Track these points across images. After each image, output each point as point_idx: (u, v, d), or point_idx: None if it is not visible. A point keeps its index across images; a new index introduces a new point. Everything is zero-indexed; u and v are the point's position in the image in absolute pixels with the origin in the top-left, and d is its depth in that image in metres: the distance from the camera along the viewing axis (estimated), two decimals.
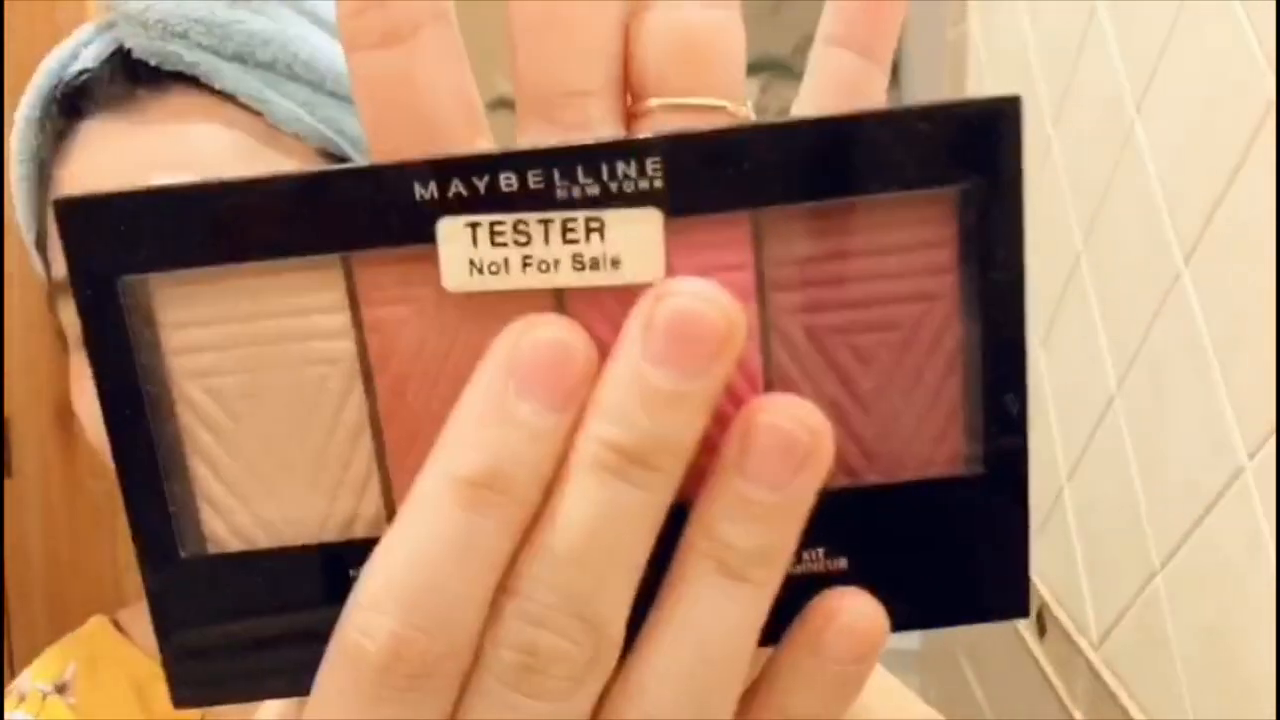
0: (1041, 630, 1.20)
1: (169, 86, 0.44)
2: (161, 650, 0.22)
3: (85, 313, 0.20)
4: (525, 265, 0.20)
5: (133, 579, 1.96)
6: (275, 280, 0.20)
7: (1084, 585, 1.08)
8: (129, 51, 0.44)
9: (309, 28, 0.45)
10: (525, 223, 0.20)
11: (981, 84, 1.52)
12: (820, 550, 0.21)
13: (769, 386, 0.21)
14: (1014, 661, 1.29)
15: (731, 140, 0.20)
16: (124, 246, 0.19)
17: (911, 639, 2.01)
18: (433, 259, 0.20)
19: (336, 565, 0.21)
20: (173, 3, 0.42)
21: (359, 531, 0.21)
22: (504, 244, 0.20)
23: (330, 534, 0.21)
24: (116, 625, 0.57)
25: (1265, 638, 0.73)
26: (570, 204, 0.20)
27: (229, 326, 0.20)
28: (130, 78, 0.44)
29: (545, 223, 0.20)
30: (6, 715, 0.52)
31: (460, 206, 0.20)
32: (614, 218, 0.20)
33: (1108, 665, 1.01)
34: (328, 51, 0.45)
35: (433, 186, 0.20)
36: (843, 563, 0.21)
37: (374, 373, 0.21)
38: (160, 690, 0.51)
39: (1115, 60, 1.01)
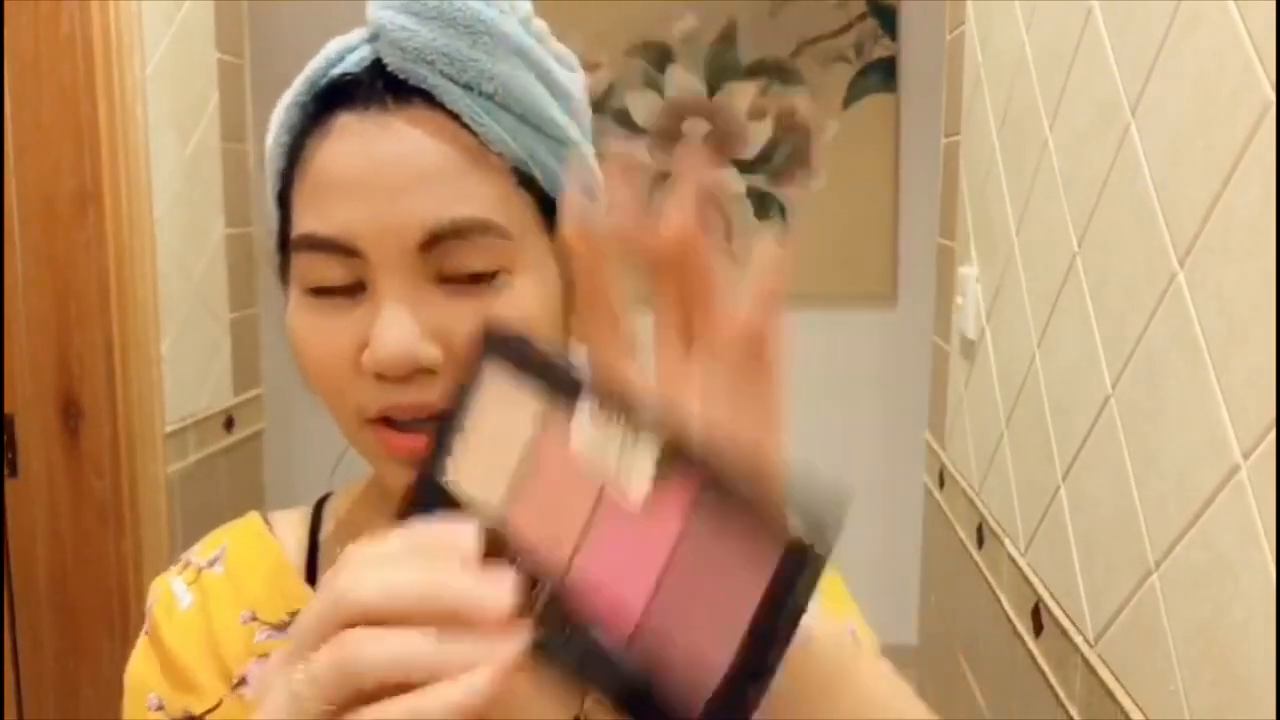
0: (1038, 628, 1.20)
1: (411, 99, 0.54)
2: None
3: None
4: None
5: (136, 575, 1.96)
6: None
7: (1080, 583, 1.09)
8: (385, 65, 0.55)
9: (524, 71, 0.55)
10: None
11: (980, 85, 1.52)
12: None
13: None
14: (1011, 658, 1.30)
15: None
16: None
17: (909, 635, 2.02)
18: None
19: None
20: (428, 36, 0.53)
21: None
22: None
23: None
24: (266, 522, 0.67)
25: (1261, 634, 0.74)
26: None
27: None
28: (384, 86, 0.54)
29: None
30: (170, 580, 0.67)
31: None
32: None
33: (1104, 662, 1.01)
34: (534, 92, 0.56)
35: None
36: None
37: None
38: (287, 580, 0.63)
39: (1111, 62, 1.02)
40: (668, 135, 3.09)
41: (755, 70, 3.03)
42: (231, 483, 2.11)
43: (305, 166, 0.55)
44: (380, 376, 0.52)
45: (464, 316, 0.52)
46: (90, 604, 1.74)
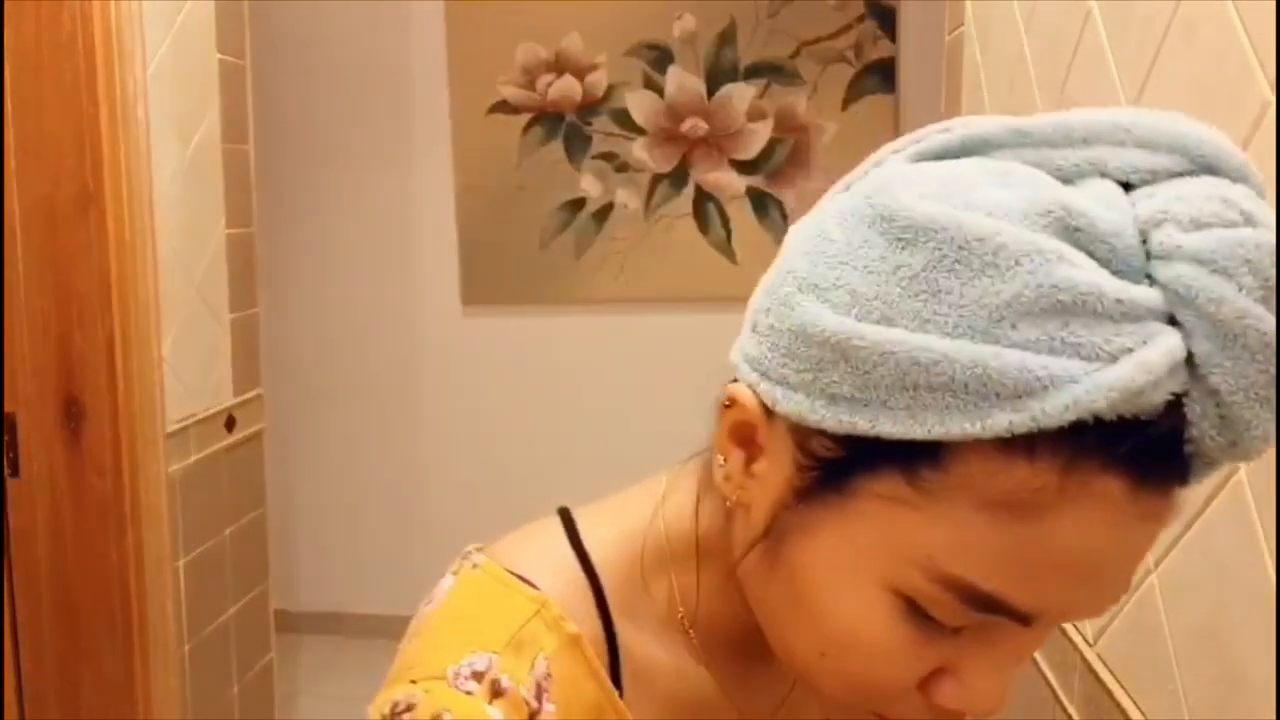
0: None
1: (1184, 461, 0.42)
2: None
3: None
4: None
5: (137, 575, 1.96)
6: None
7: None
8: (1184, 409, 0.40)
9: None
10: None
11: (979, 86, 1.52)
12: None
13: None
14: None
15: None
16: None
17: None
18: None
19: None
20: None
21: None
22: None
23: None
24: (546, 598, 0.54)
25: (1260, 635, 0.74)
26: None
27: None
28: (1182, 453, 0.42)
29: None
30: (485, 712, 0.49)
31: None
32: None
33: (1103, 662, 1.01)
34: None
35: None
36: None
37: None
38: (610, 713, 0.53)
39: (1110, 63, 1.02)
40: (668, 135, 3.09)
41: (755, 71, 3.04)
42: (231, 483, 2.12)
43: (1031, 508, 0.41)
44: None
45: (1044, 638, 0.47)
46: (91, 604, 1.74)
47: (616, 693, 0.53)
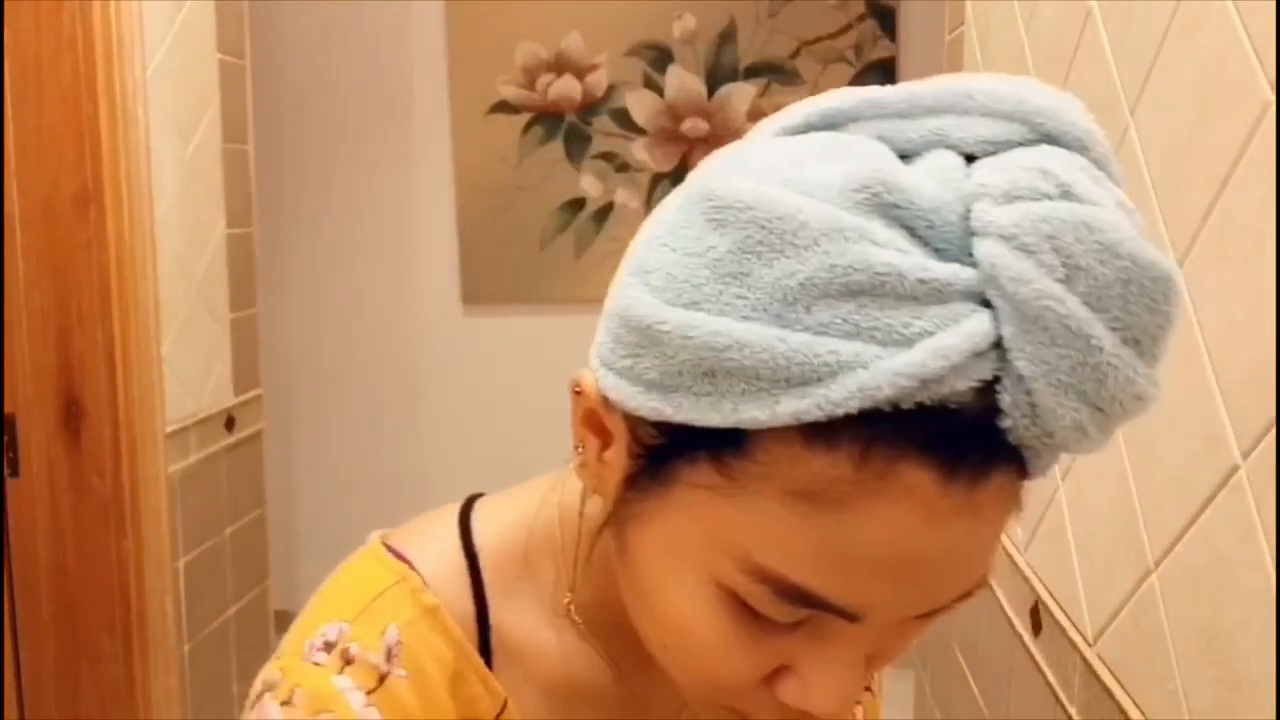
0: (1037, 628, 1.20)
1: (1004, 454, 0.39)
2: None
3: None
4: None
5: (137, 575, 1.96)
6: None
7: (1079, 583, 1.09)
8: (997, 391, 0.38)
9: None
10: None
11: None
12: None
13: None
14: (1010, 658, 1.30)
15: None
16: None
17: None
18: None
19: None
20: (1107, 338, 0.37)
21: None
22: None
23: None
24: (414, 571, 0.55)
25: (1260, 634, 0.74)
26: None
27: None
28: (991, 437, 0.39)
29: None
30: (333, 681, 0.50)
31: None
32: None
33: (1103, 662, 1.01)
34: None
35: None
36: None
37: None
38: (472, 683, 0.53)
39: (1110, 63, 1.02)
40: (667, 135, 3.09)
41: (755, 71, 3.04)
42: (231, 483, 2.12)
43: (831, 499, 0.39)
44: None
45: (906, 637, 0.45)
46: (91, 604, 1.74)
47: (483, 661, 0.52)
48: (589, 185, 3.13)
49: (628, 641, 0.52)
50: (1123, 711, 0.95)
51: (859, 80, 2.98)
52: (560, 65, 3.10)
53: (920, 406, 0.37)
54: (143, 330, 1.74)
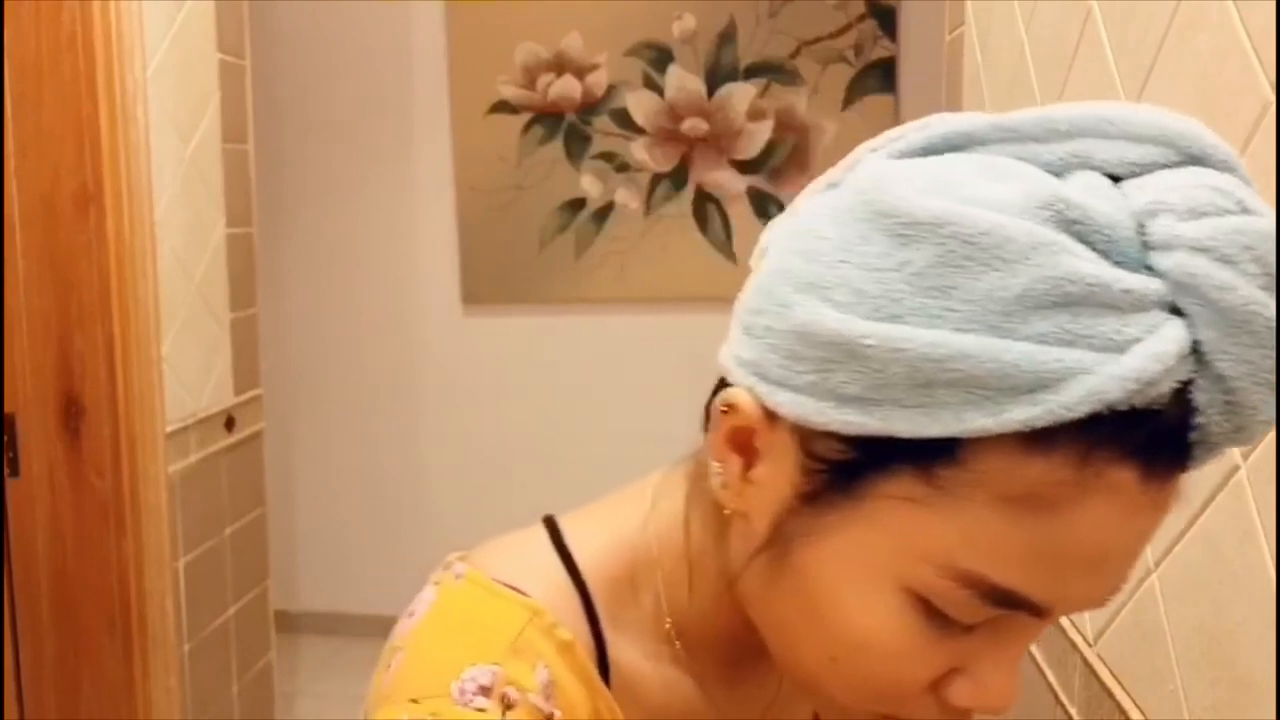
0: None
1: (1192, 450, 0.42)
2: None
3: None
4: None
5: (137, 575, 1.96)
6: None
7: None
8: (1190, 394, 0.41)
9: None
10: None
11: (979, 86, 1.52)
12: None
13: None
14: None
15: None
16: None
17: None
18: None
19: None
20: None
21: None
22: None
23: None
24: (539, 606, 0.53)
25: (1260, 634, 0.74)
26: None
27: None
28: (1187, 440, 0.42)
29: None
30: None
31: None
32: None
33: (1103, 662, 1.01)
34: None
35: None
36: None
37: None
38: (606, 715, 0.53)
39: (1111, 63, 1.02)
40: (668, 135, 3.09)
41: (755, 70, 3.04)
42: (231, 483, 2.12)
43: (1046, 503, 0.41)
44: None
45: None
46: (90, 604, 1.74)
47: (612, 698, 0.52)
48: (589, 185, 3.13)
49: (719, 662, 0.54)
50: (1123, 711, 0.95)
51: (859, 80, 2.98)
52: (560, 65, 3.10)
53: (1132, 409, 0.39)
54: (142, 330, 1.74)
